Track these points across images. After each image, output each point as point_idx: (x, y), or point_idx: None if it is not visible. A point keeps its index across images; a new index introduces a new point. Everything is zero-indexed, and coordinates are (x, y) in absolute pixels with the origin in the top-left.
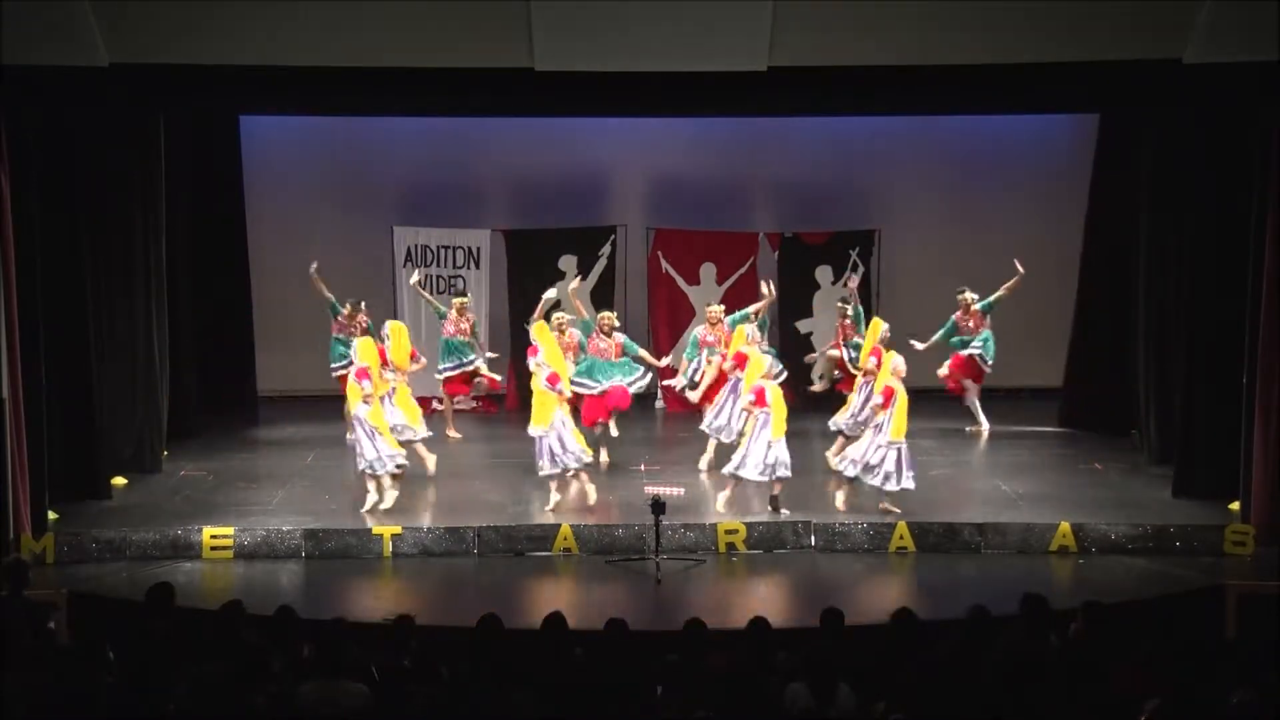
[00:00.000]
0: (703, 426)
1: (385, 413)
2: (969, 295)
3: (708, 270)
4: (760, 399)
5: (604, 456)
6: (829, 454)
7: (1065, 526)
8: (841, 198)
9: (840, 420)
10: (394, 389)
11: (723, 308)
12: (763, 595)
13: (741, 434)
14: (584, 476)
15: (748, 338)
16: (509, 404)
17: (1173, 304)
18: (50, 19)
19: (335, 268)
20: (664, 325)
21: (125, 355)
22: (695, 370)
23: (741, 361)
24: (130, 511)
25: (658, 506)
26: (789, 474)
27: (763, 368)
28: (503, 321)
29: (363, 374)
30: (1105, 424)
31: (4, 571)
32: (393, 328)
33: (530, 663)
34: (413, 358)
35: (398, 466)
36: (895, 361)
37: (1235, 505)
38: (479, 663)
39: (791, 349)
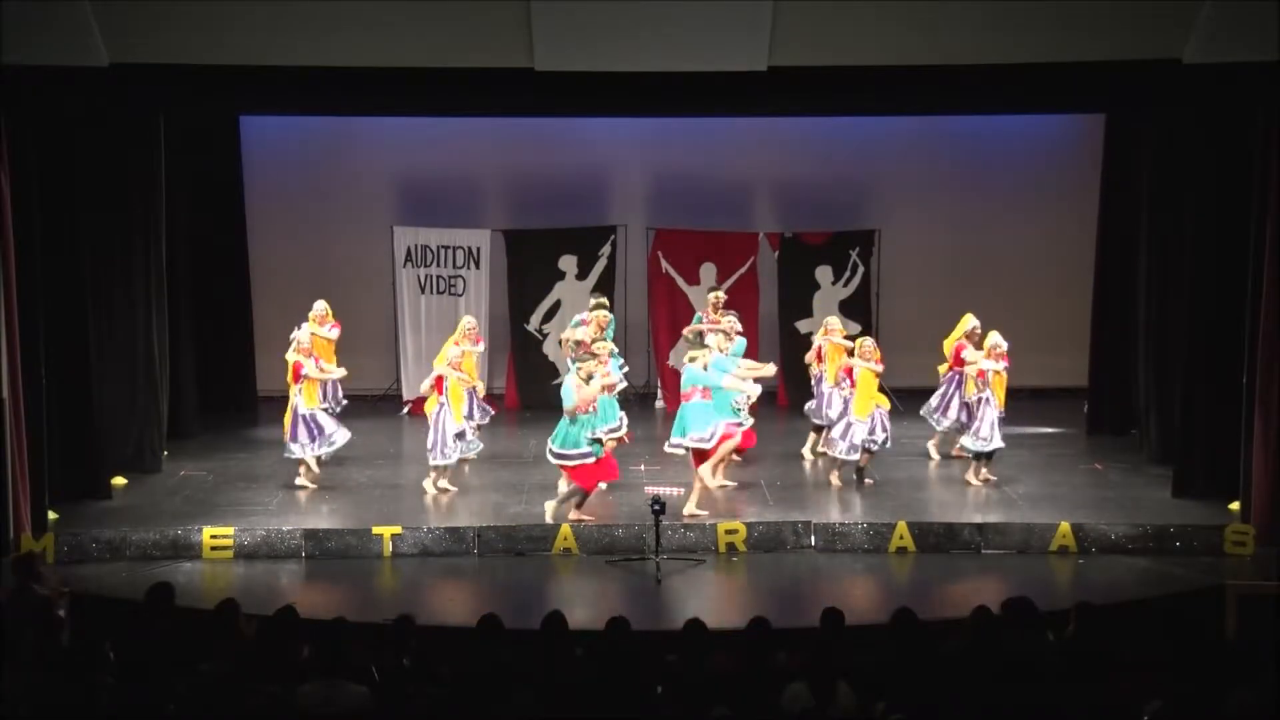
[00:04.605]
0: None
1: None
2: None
3: (708, 270)
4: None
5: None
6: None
7: (1065, 526)
8: (841, 198)
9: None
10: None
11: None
12: (763, 595)
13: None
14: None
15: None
16: (509, 403)
17: (1173, 304)
18: (50, 19)
19: (335, 268)
20: (664, 325)
21: (125, 355)
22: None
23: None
24: (130, 511)
25: (658, 506)
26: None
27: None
28: (503, 321)
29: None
30: (1106, 423)
31: (12, 565)
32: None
33: (530, 663)
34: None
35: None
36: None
37: (1235, 505)
38: (479, 663)
39: (792, 349)
